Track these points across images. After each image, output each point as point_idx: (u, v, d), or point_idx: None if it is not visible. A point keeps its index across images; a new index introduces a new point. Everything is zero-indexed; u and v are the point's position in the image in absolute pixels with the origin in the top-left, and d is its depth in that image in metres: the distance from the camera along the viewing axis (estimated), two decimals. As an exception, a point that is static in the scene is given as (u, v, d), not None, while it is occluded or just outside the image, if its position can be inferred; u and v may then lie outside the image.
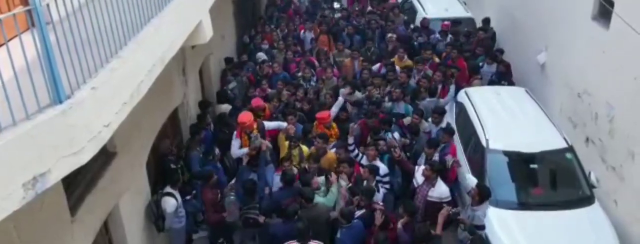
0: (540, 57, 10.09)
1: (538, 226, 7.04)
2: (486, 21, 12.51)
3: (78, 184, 5.61)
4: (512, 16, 12.08)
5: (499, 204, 7.22)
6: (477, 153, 7.95)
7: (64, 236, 5.22)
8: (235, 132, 8.10)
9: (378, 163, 7.58)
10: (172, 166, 7.75)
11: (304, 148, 8.16)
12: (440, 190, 7.03)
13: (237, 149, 8.07)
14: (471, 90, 9.36)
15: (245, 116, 8.03)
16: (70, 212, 5.33)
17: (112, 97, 3.83)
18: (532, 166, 7.67)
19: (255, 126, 8.07)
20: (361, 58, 11.31)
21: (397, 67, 10.69)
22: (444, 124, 8.77)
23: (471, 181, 7.45)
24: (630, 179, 7.41)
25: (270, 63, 10.96)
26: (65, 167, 3.38)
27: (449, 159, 7.56)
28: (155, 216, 7.26)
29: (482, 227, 6.79)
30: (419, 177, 7.29)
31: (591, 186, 7.55)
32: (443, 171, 7.29)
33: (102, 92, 3.65)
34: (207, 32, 6.16)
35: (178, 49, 5.61)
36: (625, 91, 7.48)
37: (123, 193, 6.54)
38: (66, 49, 3.47)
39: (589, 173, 7.66)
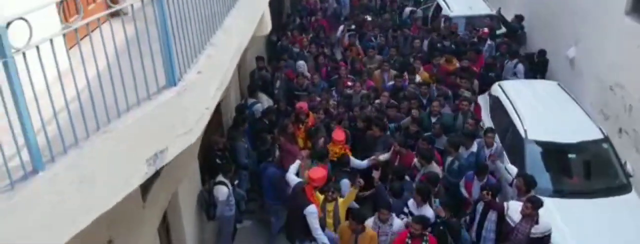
0: (570, 51, 10.33)
1: (578, 212, 7.26)
2: (520, 18, 12.73)
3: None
4: (538, 12, 12.32)
5: (539, 192, 7.41)
6: (515, 144, 8.17)
7: (138, 221, 5.46)
8: (314, 206, 6.67)
9: (427, 210, 6.83)
10: (218, 161, 7.94)
11: (341, 200, 7.00)
12: (545, 225, 6.55)
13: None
14: (505, 83, 9.60)
15: (319, 172, 6.94)
16: (142, 197, 5.56)
17: (209, 82, 4.06)
18: (570, 155, 7.91)
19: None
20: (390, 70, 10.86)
21: (419, 79, 10.36)
22: (474, 149, 8.13)
23: (511, 170, 7.67)
24: (666, 169, 7.64)
25: (307, 73, 10.88)
26: (179, 145, 3.62)
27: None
28: (206, 204, 7.49)
29: None
30: (514, 215, 6.66)
31: (628, 175, 7.77)
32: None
33: (204, 77, 3.89)
34: (268, 24, 6.40)
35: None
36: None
37: (181, 181, 6.77)
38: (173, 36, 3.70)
39: (625, 162, 7.90)
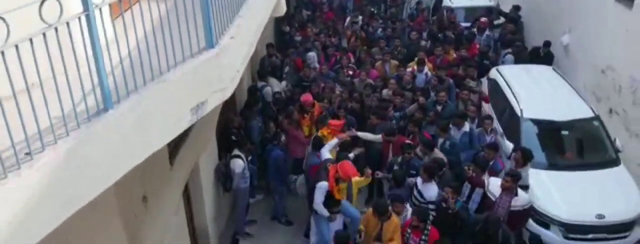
0: (564, 38, 10.89)
1: (571, 184, 7.82)
2: (517, 8, 13.28)
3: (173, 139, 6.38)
4: (534, 2, 12.85)
5: (534, 166, 7.95)
6: (512, 122, 8.72)
7: (167, 182, 6.01)
8: (326, 183, 7.07)
9: (433, 187, 7.25)
10: (233, 137, 8.49)
11: (354, 180, 7.38)
12: (523, 198, 6.95)
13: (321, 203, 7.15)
14: (502, 68, 10.16)
15: (349, 169, 7.25)
16: (169, 162, 6.12)
17: (240, 49, 4.61)
18: (563, 132, 8.48)
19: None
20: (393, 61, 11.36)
21: (428, 72, 10.70)
22: (467, 128, 8.59)
23: (508, 146, 8.23)
24: (654, 144, 8.20)
25: (314, 66, 11.29)
26: (215, 99, 4.17)
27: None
28: (224, 176, 8.03)
29: (527, 187, 7.44)
30: (495, 190, 7.04)
31: (617, 151, 8.33)
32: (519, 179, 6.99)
33: (236, 42, 4.43)
34: (283, 6, 6.94)
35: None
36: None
37: (202, 152, 7.33)
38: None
39: (615, 139, 8.46)
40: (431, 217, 6.83)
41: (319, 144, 7.94)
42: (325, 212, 7.16)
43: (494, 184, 7.11)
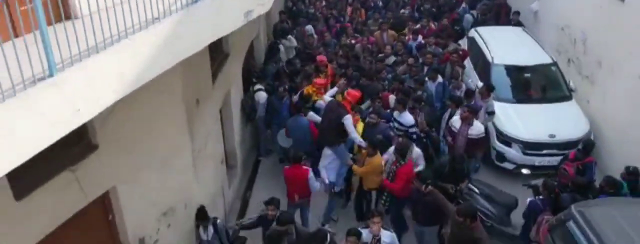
0: (534, 5, 12.73)
1: (531, 113, 9.67)
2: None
3: (213, 64, 8.20)
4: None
5: (501, 100, 9.82)
6: (485, 68, 10.58)
7: (209, 97, 7.81)
8: (350, 115, 8.22)
9: (407, 115, 8.56)
10: (254, 79, 10.34)
11: (360, 125, 8.68)
12: (478, 127, 8.31)
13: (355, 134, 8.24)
14: (480, 28, 12.05)
15: (356, 94, 9.00)
16: (212, 79, 7.94)
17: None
18: (526, 75, 10.33)
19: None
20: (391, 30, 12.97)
21: (422, 40, 12.41)
22: (440, 80, 10.11)
23: (479, 84, 10.08)
24: (599, 84, 10.00)
25: (315, 35, 13.03)
26: (258, 10, 6.01)
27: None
28: (249, 107, 9.84)
29: (493, 112, 9.31)
30: (456, 123, 8.43)
31: (570, 90, 10.17)
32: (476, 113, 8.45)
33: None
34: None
35: None
36: (594, 18, 10.09)
37: (232, 83, 9.17)
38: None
39: (569, 81, 10.30)
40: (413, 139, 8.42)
41: (306, 99, 9.27)
42: (362, 141, 8.13)
43: (456, 120, 8.54)
